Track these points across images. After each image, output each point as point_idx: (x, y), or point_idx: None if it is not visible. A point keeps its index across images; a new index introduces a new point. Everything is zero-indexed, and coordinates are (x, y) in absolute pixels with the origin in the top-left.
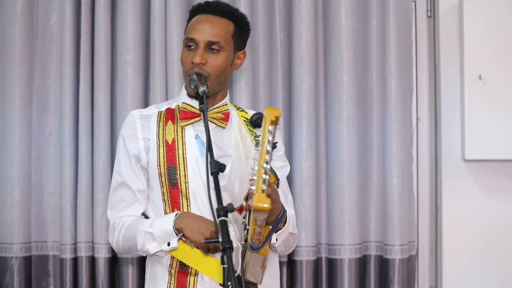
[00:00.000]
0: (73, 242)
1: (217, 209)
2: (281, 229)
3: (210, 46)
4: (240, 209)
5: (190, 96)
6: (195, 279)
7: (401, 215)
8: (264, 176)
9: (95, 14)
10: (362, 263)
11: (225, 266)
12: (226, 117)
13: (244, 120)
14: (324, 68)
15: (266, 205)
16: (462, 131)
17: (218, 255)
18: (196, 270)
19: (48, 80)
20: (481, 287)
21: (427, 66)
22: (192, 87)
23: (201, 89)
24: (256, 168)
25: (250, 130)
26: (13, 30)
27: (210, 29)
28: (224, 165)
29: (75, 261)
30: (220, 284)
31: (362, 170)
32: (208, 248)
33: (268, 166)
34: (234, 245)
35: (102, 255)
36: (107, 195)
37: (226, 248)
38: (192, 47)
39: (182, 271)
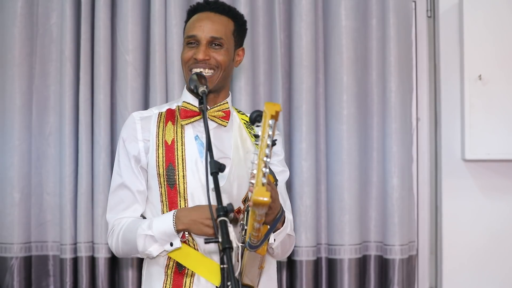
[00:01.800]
0: (73, 242)
1: (217, 209)
2: (279, 229)
3: (212, 42)
4: (238, 212)
5: (191, 91)
6: (191, 280)
7: (401, 215)
8: (264, 169)
9: (95, 14)
10: (362, 263)
11: (225, 266)
12: (227, 115)
13: (245, 123)
14: (324, 68)
15: (266, 198)
16: (462, 131)
17: (216, 257)
18: (192, 271)
19: (48, 80)
20: (481, 287)
21: (427, 66)
22: (192, 87)
23: (201, 89)
24: (256, 162)
25: (250, 132)
26: (13, 30)
27: (212, 25)
28: (223, 165)
29: (75, 261)
30: (216, 287)
31: (362, 170)
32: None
33: (268, 160)
34: (234, 245)
35: (102, 255)
36: (107, 195)
37: (226, 248)
38: (193, 44)
39: (179, 271)
